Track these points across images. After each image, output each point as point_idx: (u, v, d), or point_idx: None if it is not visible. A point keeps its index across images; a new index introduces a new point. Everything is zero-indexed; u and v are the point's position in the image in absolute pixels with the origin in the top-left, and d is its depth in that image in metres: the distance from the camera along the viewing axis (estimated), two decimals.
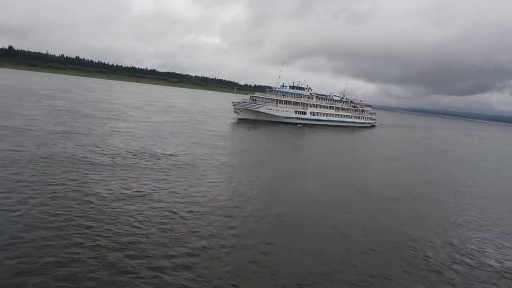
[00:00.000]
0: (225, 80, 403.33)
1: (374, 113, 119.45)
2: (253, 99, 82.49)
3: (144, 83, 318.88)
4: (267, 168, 31.68)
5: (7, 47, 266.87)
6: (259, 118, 77.78)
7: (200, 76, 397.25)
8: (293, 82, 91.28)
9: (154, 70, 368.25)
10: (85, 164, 24.97)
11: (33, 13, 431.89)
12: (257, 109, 77.70)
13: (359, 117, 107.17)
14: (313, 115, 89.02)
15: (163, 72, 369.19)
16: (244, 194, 22.56)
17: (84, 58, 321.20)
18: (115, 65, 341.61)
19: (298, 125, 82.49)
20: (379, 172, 36.54)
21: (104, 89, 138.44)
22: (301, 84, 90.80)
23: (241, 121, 74.06)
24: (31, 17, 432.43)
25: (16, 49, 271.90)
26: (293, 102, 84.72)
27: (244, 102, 79.36)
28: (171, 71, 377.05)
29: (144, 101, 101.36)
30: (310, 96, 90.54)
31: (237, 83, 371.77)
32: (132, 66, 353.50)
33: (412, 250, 16.92)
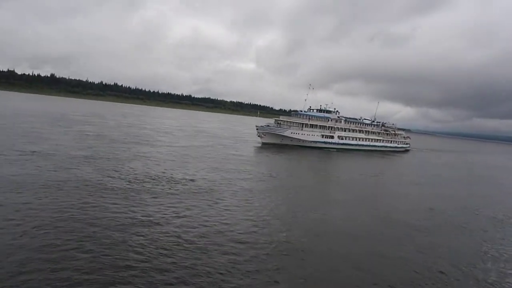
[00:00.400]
0: (260, 105, 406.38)
1: (408, 137, 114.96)
2: (278, 123, 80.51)
3: (179, 108, 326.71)
4: (289, 194, 30.13)
5: (49, 75, 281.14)
6: (284, 142, 75.79)
7: (235, 101, 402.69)
8: (320, 106, 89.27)
9: (190, 95, 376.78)
10: (99, 188, 24.39)
11: (76, 42, 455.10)
12: (281, 133, 75.69)
13: (391, 141, 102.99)
14: (341, 139, 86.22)
15: (198, 98, 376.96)
16: (260, 223, 21.09)
17: (122, 85, 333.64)
18: (152, 91, 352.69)
19: (326, 149, 79.85)
20: (408, 199, 34.11)
21: (138, 115, 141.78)
22: (329, 107, 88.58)
23: (265, 145, 72.43)
24: (74, 47, 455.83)
25: (57, 76, 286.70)
26: (320, 125, 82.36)
27: (268, 126, 77.47)
28: (206, 97, 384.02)
29: (175, 126, 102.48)
30: (337, 120, 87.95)
31: (272, 108, 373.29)
32: (168, 92, 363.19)
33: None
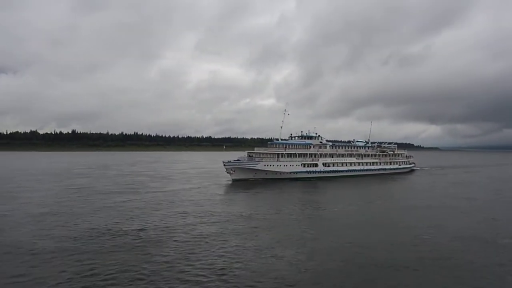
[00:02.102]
0: (282, 139, 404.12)
1: (411, 156, 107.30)
2: (250, 155, 73.72)
3: (199, 151, 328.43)
4: (250, 237, 27.06)
5: (70, 132, 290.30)
6: (258, 176, 68.79)
7: (255, 138, 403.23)
8: (301, 132, 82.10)
9: (210, 137, 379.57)
10: (23, 252, 22.26)
11: (99, 97, 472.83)
12: (252, 167, 68.44)
13: (390, 162, 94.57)
14: (327, 166, 77.97)
15: (218, 138, 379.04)
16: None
17: (142, 134, 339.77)
18: (171, 136, 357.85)
19: (309, 179, 72.26)
20: (394, 228, 30.36)
21: (150, 161, 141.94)
22: (311, 132, 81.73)
23: (236, 182, 65.62)
24: (97, 102, 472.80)
25: (79, 132, 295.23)
26: (299, 154, 74.96)
27: (238, 160, 70.94)
28: (228, 137, 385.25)
29: (181, 169, 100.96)
30: (321, 145, 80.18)
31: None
32: (188, 136, 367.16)
33: None
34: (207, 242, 25.27)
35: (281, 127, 77.71)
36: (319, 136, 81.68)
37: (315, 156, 76.92)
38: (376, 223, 33.04)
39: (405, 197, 52.55)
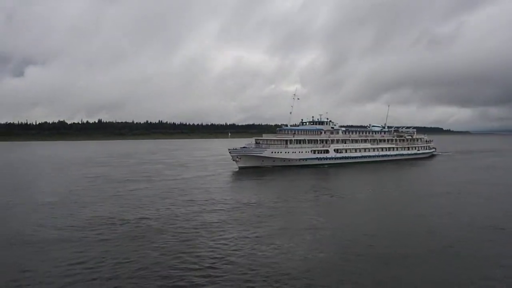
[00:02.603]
0: (291, 125, 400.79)
1: (431, 140, 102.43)
2: (257, 142, 71.78)
3: (223, 138, 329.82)
4: (260, 226, 26.43)
5: (97, 121, 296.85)
6: (266, 164, 67.26)
7: (280, 124, 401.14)
8: (312, 117, 79.64)
9: (234, 124, 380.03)
10: (18, 242, 22.42)
11: (125, 87, 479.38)
12: (259, 154, 66.68)
13: (408, 147, 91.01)
14: (339, 152, 75.43)
15: (242, 125, 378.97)
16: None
17: (166, 122, 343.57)
18: (195, 124, 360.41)
19: (320, 166, 70.21)
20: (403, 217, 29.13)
21: (170, 149, 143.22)
22: (323, 118, 79.12)
23: (242, 169, 64.07)
24: (123, 92, 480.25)
25: (104, 121, 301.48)
26: (309, 140, 72.30)
27: (245, 147, 68.91)
28: (253, 123, 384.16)
29: (199, 157, 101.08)
30: (333, 131, 77.21)
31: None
32: (212, 123, 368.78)
33: None
34: (209, 230, 24.81)
35: (291, 113, 76.05)
36: (330, 121, 79.05)
37: (326, 142, 74.37)
38: (387, 211, 31.72)
39: (421, 184, 50.71)
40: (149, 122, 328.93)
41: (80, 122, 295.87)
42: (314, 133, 75.12)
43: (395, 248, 21.17)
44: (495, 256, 19.85)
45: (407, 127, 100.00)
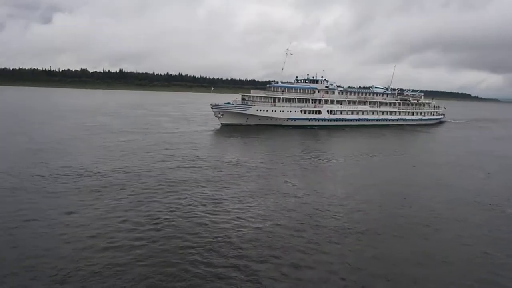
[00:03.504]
0: (283, 82, 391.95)
1: (439, 106, 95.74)
2: (243, 99, 67.57)
3: (241, 93, 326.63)
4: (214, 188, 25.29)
5: (118, 71, 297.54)
6: (250, 122, 63.59)
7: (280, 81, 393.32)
8: (308, 75, 73.74)
9: (254, 80, 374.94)
10: None
11: (147, 38, 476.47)
12: (243, 111, 63.00)
13: (412, 112, 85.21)
14: (333, 113, 70.51)
15: (262, 81, 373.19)
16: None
17: (186, 75, 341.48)
18: (215, 78, 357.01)
19: (314, 127, 66.51)
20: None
21: (183, 102, 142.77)
22: (321, 76, 74.01)
23: (225, 127, 61.25)
24: (145, 43, 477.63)
25: (125, 71, 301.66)
26: (299, 99, 67.63)
27: (229, 103, 64.46)
28: (273, 80, 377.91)
29: (207, 111, 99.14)
30: (328, 90, 71.69)
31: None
32: (232, 78, 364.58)
33: None
34: (172, 188, 23.77)
35: (282, 69, 71.11)
36: (325, 80, 73.59)
37: (319, 102, 69.58)
38: (371, 180, 29.49)
39: (419, 152, 47.73)
40: (169, 74, 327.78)
41: (102, 71, 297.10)
42: (306, 91, 70.38)
43: (361, 221, 19.52)
44: (467, 238, 18.19)
45: (413, 90, 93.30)
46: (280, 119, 65.25)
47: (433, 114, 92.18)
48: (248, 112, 63.12)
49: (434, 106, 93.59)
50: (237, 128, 60.51)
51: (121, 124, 59.42)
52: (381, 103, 79.78)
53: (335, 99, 72.12)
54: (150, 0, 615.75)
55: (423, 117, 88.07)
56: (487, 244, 17.26)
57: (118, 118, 69.82)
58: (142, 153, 35.25)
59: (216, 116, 63.28)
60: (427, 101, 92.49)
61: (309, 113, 68.06)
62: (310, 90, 70.71)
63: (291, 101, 67.46)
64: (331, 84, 73.71)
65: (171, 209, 19.92)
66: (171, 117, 77.07)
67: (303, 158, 37.46)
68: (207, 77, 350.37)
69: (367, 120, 76.09)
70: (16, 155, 32.08)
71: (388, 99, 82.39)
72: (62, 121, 60.82)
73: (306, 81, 73.20)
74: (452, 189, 27.44)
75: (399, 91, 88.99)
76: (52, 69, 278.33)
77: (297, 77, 75.11)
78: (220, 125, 62.45)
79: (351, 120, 73.19)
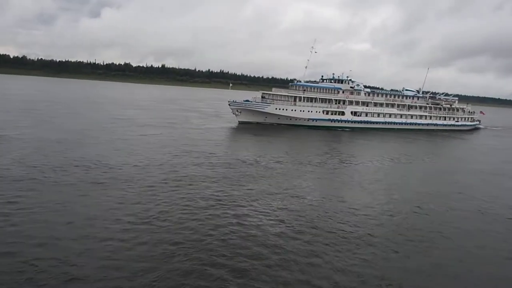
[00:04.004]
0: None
1: (474, 112, 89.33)
2: (263, 97, 65.28)
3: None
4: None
5: (160, 66, 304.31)
6: (269, 120, 62.29)
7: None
8: (333, 74, 71.29)
9: (294, 79, 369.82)
10: None
11: (194, 35, 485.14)
12: (261, 109, 61.45)
13: (444, 117, 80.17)
14: (357, 115, 67.92)
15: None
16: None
17: (228, 72, 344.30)
18: (256, 76, 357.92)
19: (334, 129, 63.80)
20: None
21: (219, 98, 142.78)
22: (347, 76, 71.17)
23: (242, 125, 60.01)
24: (191, 39, 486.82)
25: (168, 67, 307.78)
26: (321, 99, 65.09)
27: (248, 100, 62.94)
28: (314, 80, 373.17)
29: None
30: (353, 91, 69.17)
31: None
32: (272, 77, 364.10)
33: None
34: (179, 184, 23.10)
35: (306, 67, 69.08)
36: (350, 80, 70.65)
37: (343, 103, 67.12)
38: (392, 186, 27.62)
39: (449, 160, 44.72)
40: (210, 71, 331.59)
41: (145, 66, 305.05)
42: (330, 91, 67.75)
43: (371, 229, 17.95)
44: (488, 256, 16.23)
45: (447, 94, 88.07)
46: (300, 118, 63.36)
47: (467, 120, 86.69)
48: (266, 110, 61.69)
49: (469, 112, 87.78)
50: (256, 126, 59.68)
51: (147, 118, 60.00)
52: (410, 107, 76.02)
53: (360, 100, 69.33)
54: None
55: (456, 123, 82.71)
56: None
57: (146, 112, 70.83)
58: (158, 148, 34.84)
59: (233, 114, 62.48)
60: (461, 106, 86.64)
61: (332, 114, 65.70)
62: (334, 90, 68.35)
63: (313, 100, 65.31)
64: (358, 85, 70.98)
65: (168, 207, 19.13)
66: (202, 113, 77.47)
67: (322, 161, 35.72)
68: (248, 75, 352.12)
69: (395, 123, 72.27)
70: (31, 145, 32.38)
71: (419, 103, 78.25)
72: (91, 112, 62.19)
73: (331, 81, 70.88)
74: (473, 198, 25.00)
75: (431, 95, 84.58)
76: (96, 63, 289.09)
77: (322, 76, 73.28)
78: (238, 123, 61.68)
79: (376, 123, 69.99)
